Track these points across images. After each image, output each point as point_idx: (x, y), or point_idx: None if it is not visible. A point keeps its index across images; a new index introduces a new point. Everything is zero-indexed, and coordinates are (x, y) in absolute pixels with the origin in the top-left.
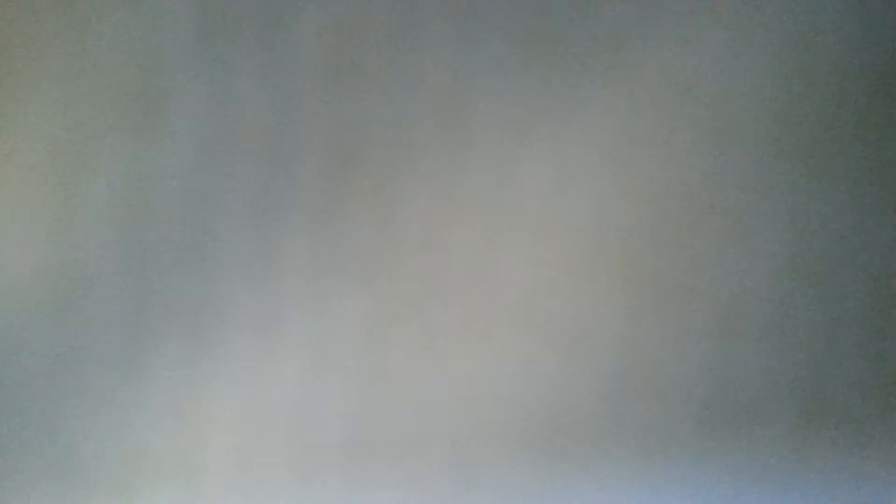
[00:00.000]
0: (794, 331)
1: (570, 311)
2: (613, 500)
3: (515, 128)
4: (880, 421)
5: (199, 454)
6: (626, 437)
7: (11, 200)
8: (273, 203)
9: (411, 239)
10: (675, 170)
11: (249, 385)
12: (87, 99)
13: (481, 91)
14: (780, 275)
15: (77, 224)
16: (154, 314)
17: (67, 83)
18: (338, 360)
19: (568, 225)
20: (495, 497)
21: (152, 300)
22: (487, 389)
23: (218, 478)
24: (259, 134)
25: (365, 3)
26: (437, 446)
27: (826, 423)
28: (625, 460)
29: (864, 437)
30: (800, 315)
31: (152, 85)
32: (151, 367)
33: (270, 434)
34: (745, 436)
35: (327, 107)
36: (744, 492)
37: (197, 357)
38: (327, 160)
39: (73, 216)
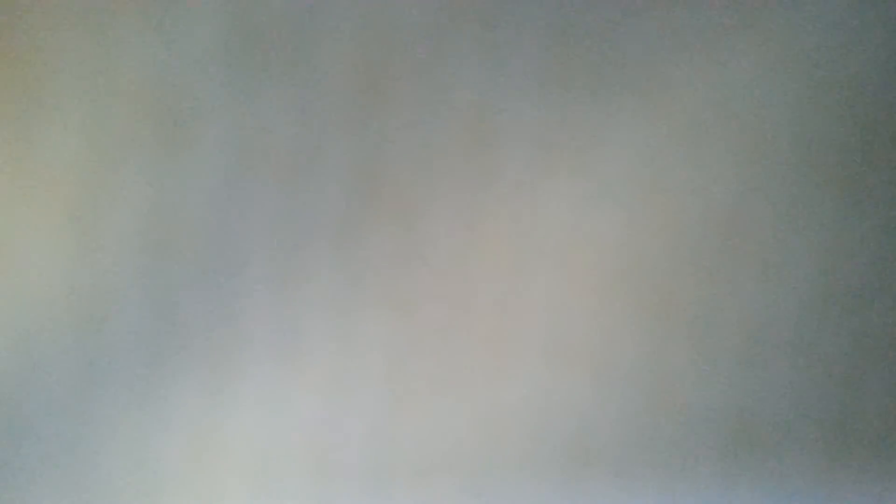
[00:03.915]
0: (822, 358)
1: (595, 336)
2: None
3: (543, 152)
4: None
5: (219, 478)
6: (650, 464)
7: (35, 222)
8: (297, 227)
9: (436, 264)
10: (703, 195)
11: (270, 410)
12: (111, 122)
13: (509, 115)
14: (809, 302)
15: (100, 246)
16: (176, 337)
17: (92, 106)
18: (360, 386)
19: (594, 250)
20: None
21: (175, 323)
22: (510, 416)
23: (238, 502)
24: (285, 158)
25: (393, 28)
26: (461, 473)
27: (853, 451)
28: (649, 488)
29: (891, 466)
30: (828, 343)
31: (178, 108)
32: (173, 391)
33: (291, 459)
34: (771, 464)
35: (353, 131)
36: None
37: (218, 381)
38: (352, 185)
39: (96, 239)
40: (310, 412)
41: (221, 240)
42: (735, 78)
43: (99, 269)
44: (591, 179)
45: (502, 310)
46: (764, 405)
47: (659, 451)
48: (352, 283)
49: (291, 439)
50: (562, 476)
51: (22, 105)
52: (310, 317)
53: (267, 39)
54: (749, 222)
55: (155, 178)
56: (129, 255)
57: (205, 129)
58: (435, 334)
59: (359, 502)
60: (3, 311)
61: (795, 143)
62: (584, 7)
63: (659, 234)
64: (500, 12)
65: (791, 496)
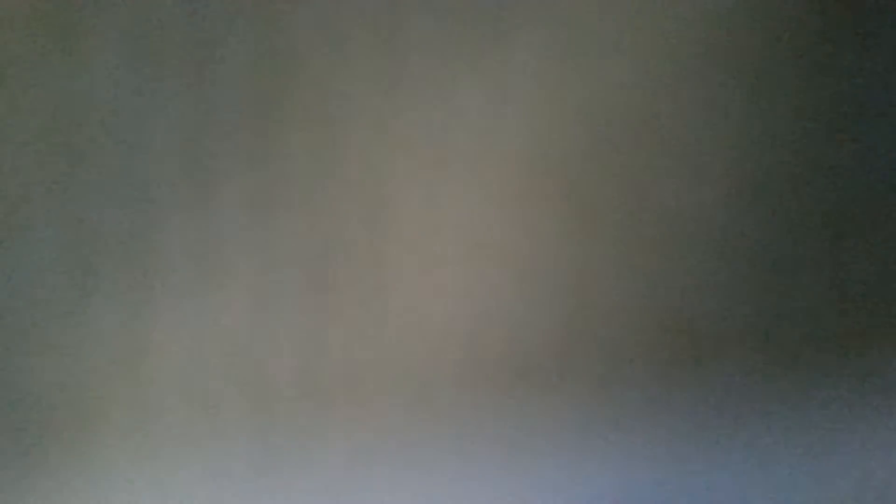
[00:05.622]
0: (747, 250)
1: (515, 236)
2: (569, 426)
3: (453, 49)
4: (835, 344)
5: (145, 392)
6: (582, 368)
7: None
8: (207, 130)
9: (350, 166)
10: (616, 88)
11: (195, 321)
12: (6, 22)
13: (418, 15)
14: (730, 194)
15: (4, 157)
16: (91, 248)
17: None
18: (283, 291)
19: (509, 148)
20: (451, 426)
21: (89, 233)
22: (435, 317)
23: (166, 415)
24: (189, 57)
25: None
26: (389, 378)
27: (783, 342)
28: (583, 392)
29: (819, 361)
30: (752, 234)
31: (72, 4)
32: (92, 304)
33: (221, 370)
34: (703, 359)
35: (258, 27)
36: (700, 413)
37: (138, 291)
38: (261, 85)
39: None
40: (235, 322)
41: (129, 144)
42: None
43: (4, 181)
44: (502, 77)
45: (421, 214)
46: (692, 301)
47: (590, 353)
48: (267, 186)
49: (220, 350)
50: (494, 383)
51: None
52: (227, 222)
53: None
54: (664, 119)
55: (54, 80)
56: (33, 164)
57: (102, 27)
58: (355, 238)
59: (291, 413)
60: None
61: (704, 33)
62: None
63: (573, 131)
64: None
65: (725, 389)
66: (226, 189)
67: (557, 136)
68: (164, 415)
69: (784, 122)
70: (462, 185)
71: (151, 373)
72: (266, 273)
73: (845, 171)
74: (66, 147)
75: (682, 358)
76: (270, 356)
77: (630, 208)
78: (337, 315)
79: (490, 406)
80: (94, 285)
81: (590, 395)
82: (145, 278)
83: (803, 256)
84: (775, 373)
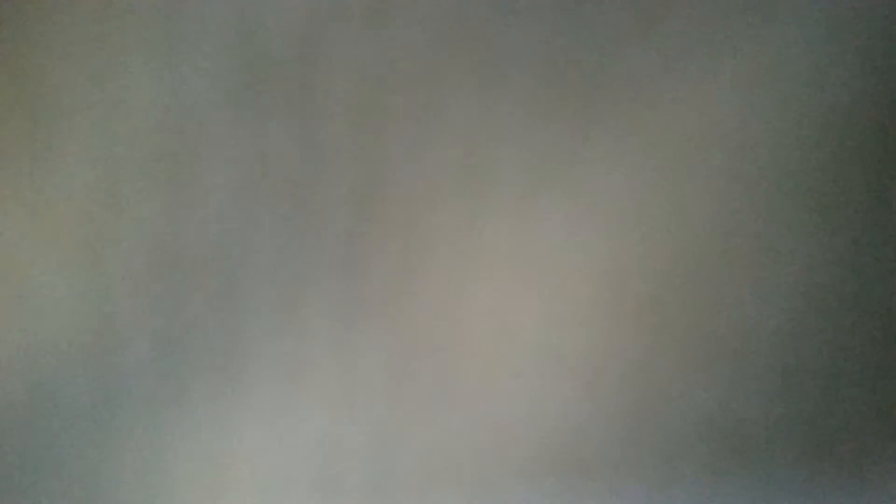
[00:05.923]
0: (804, 371)
1: (587, 350)
2: None
3: (535, 177)
4: (889, 460)
5: (228, 497)
6: (639, 472)
7: (43, 255)
8: (299, 252)
9: (433, 284)
10: (690, 213)
11: (276, 428)
12: (120, 157)
13: (501, 141)
14: (792, 314)
15: (107, 278)
16: (184, 361)
17: (97, 139)
18: (362, 404)
19: (585, 270)
20: None
21: (183, 347)
22: (508, 427)
23: None
24: (286, 185)
25: (391, 56)
26: (461, 485)
27: (834, 461)
28: (638, 495)
29: (872, 476)
30: (809, 356)
31: (181, 138)
32: (182, 416)
33: (298, 476)
34: (759, 471)
35: (352, 158)
36: None
37: (226, 403)
38: (352, 210)
39: (103, 270)
40: (313, 429)
41: (226, 267)
42: (719, 102)
43: (110, 298)
44: (581, 200)
45: (499, 325)
46: (751, 413)
47: (648, 460)
48: (352, 306)
49: (296, 456)
50: (558, 485)
51: (36, 143)
52: (312, 339)
53: (269, 74)
54: (734, 238)
55: (160, 209)
56: (138, 283)
57: (208, 161)
58: (435, 350)
59: None
60: (18, 339)
61: (777, 164)
62: (570, 39)
63: (647, 252)
64: (490, 46)
65: (778, 498)
66: (313, 308)
67: (633, 259)
68: None
69: (847, 247)
70: (539, 297)
71: (231, 477)
72: (345, 382)
73: None
74: (168, 268)
75: (737, 466)
76: (345, 462)
77: (698, 324)
78: (410, 420)
79: (551, 502)
80: (183, 396)
81: (646, 497)
82: (231, 389)
83: (857, 371)
84: (824, 482)
